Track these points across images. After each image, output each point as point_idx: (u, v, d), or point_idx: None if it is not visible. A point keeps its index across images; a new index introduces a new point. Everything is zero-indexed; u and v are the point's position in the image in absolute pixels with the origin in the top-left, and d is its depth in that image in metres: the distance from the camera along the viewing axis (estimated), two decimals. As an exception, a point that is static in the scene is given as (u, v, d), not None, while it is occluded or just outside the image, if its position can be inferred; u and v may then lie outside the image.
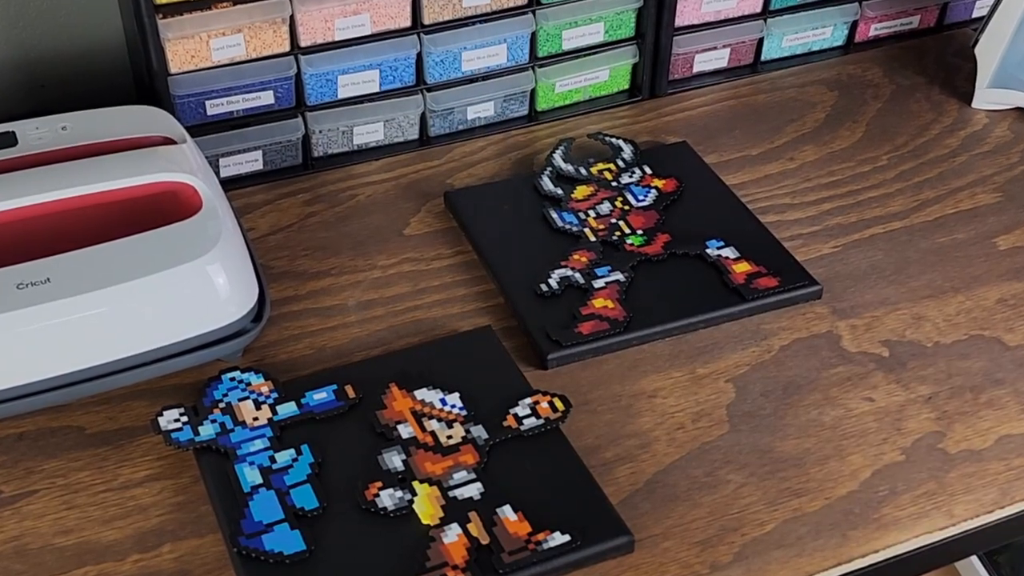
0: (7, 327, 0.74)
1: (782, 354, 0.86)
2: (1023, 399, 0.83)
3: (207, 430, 0.77)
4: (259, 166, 1.01)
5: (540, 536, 0.71)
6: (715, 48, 1.12)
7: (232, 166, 1.00)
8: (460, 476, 0.75)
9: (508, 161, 1.04)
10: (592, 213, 0.96)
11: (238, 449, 0.76)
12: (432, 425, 0.78)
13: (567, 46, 1.06)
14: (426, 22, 1.00)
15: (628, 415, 0.81)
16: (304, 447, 0.76)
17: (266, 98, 0.98)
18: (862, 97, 1.12)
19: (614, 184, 0.99)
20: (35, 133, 0.84)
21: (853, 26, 1.17)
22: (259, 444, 0.76)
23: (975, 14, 1.22)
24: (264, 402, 0.79)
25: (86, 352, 0.77)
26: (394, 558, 0.70)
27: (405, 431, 0.77)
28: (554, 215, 0.95)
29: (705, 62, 1.13)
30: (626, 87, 1.11)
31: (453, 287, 0.91)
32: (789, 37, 1.15)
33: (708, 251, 0.92)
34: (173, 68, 0.94)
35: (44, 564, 0.72)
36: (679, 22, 1.09)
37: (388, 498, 0.73)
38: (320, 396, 0.79)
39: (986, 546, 0.81)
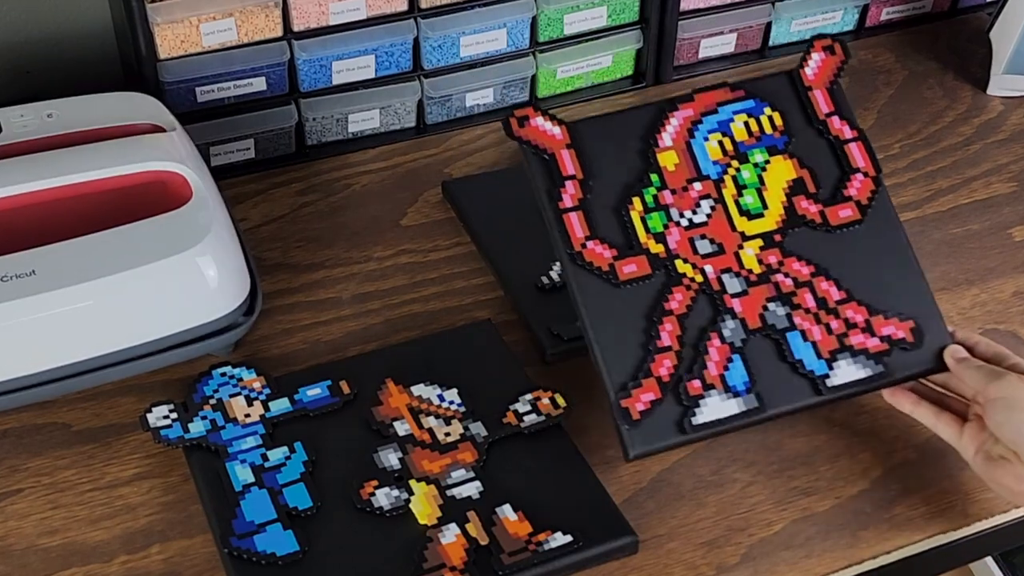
0: (-9, 321, 0.74)
1: (791, 348, 0.84)
2: (1040, 394, 0.81)
3: (197, 427, 0.76)
4: (251, 155, 1.00)
5: (541, 536, 0.70)
6: (722, 33, 1.11)
7: (223, 155, 0.99)
8: (458, 474, 0.74)
9: (508, 150, 1.03)
10: (595, 203, 0.94)
11: (229, 447, 0.75)
12: (429, 422, 0.77)
13: (569, 31, 1.05)
14: (423, 6, 0.99)
15: (632, 411, 0.80)
16: (297, 445, 0.76)
17: (258, 84, 0.97)
18: (873, 83, 1.11)
19: (617, 173, 0.97)
20: (19, 120, 0.83)
21: (864, 10, 1.15)
22: (251, 441, 0.76)
23: (989, -2, 1.20)
24: (256, 398, 0.78)
25: (72, 347, 0.77)
26: (390, 559, 0.70)
27: (401, 428, 0.76)
28: (556, 205, 0.93)
29: (711, 47, 1.11)
30: (630, 73, 1.10)
31: (451, 280, 0.90)
32: (798, 21, 1.13)
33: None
34: (162, 53, 0.93)
35: (29, 566, 0.71)
36: (684, 6, 1.08)
37: (384, 497, 0.72)
38: (314, 392, 0.79)
39: (1002, 547, 0.80)
